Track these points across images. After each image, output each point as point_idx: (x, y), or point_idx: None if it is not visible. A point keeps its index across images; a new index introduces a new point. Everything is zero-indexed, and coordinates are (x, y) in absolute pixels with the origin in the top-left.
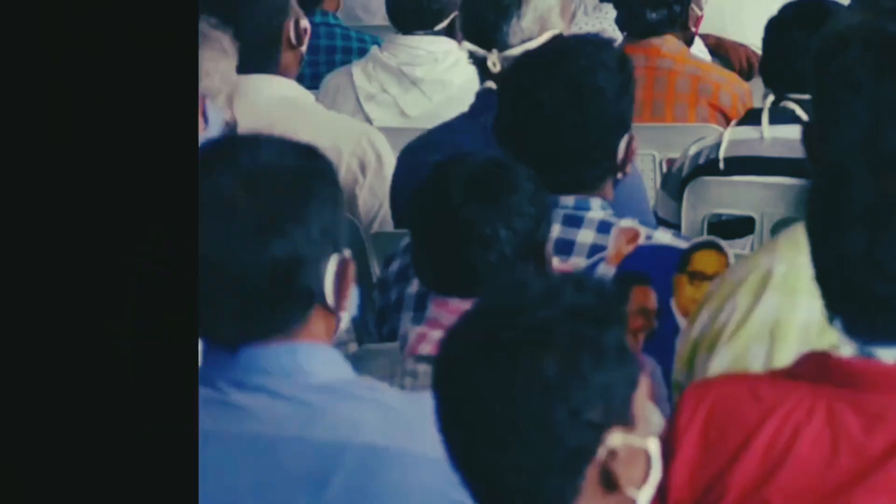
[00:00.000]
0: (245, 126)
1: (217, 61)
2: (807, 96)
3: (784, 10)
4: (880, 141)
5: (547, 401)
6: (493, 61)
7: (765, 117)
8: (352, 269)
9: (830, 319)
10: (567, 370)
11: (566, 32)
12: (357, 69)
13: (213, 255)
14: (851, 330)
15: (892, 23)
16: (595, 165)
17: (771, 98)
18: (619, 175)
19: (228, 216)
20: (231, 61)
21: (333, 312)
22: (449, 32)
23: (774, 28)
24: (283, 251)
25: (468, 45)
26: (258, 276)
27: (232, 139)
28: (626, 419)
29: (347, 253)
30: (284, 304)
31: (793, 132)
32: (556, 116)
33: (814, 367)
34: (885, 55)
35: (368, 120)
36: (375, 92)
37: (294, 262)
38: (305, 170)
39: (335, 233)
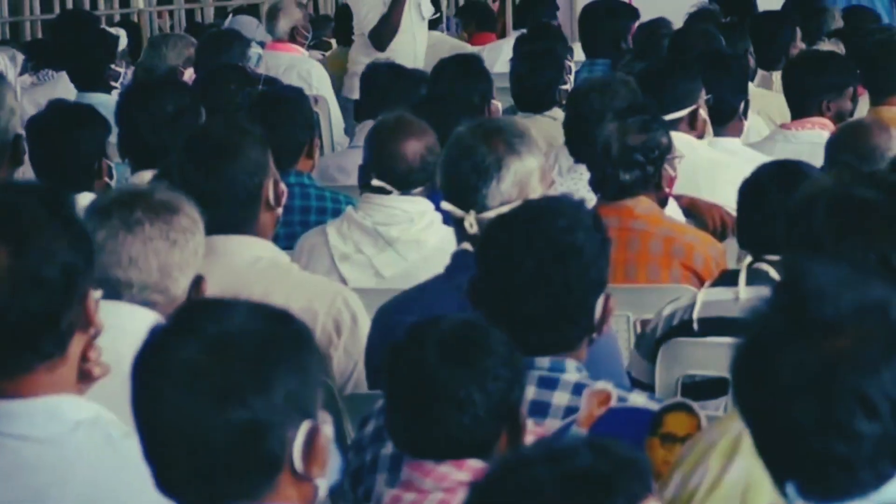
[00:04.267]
0: (219, 287)
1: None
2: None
3: (759, 173)
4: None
5: None
6: (471, 223)
7: (742, 278)
8: (324, 436)
9: (781, 485)
10: None
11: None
12: (332, 229)
13: (175, 419)
14: (808, 492)
15: (859, 187)
16: (572, 325)
17: (748, 259)
18: (595, 335)
19: (189, 382)
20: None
21: (306, 479)
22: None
23: (749, 190)
24: (242, 418)
25: (446, 206)
26: (217, 442)
27: (201, 304)
28: None
29: (325, 419)
30: (247, 471)
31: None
32: (536, 276)
33: None
34: (848, 218)
35: (343, 280)
36: (350, 252)
37: (254, 429)
38: (272, 336)
39: (304, 399)
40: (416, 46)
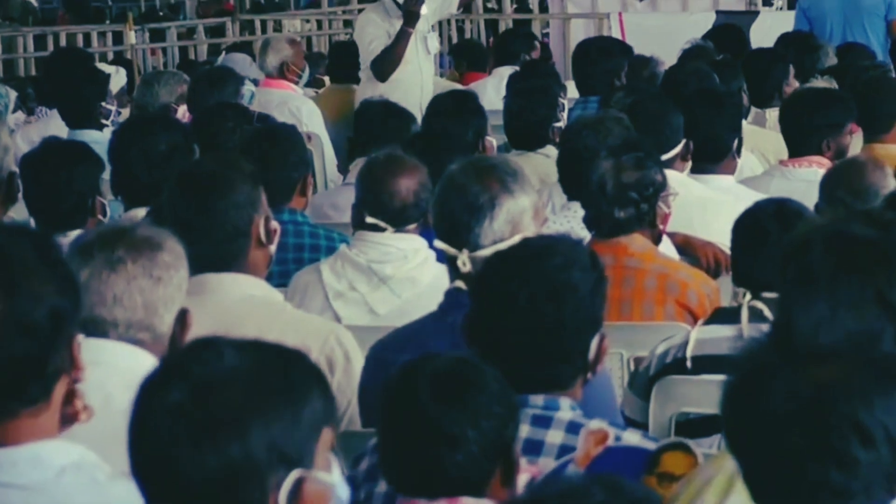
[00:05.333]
0: (211, 325)
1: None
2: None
3: (756, 211)
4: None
5: None
6: (463, 261)
7: (744, 315)
8: (317, 485)
9: None
10: None
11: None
12: (326, 267)
13: (159, 461)
14: None
15: (856, 225)
16: (567, 363)
17: (748, 297)
18: (590, 375)
19: (171, 423)
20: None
21: None
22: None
23: (746, 228)
24: (217, 462)
25: (439, 244)
26: (195, 486)
27: (199, 344)
28: None
29: (325, 463)
30: None
31: (762, 331)
32: (531, 314)
33: None
34: (844, 255)
35: (337, 318)
36: (344, 290)
37: (230, 475)
38: (262, 381)
39: (292, 447)
40: (423, 79)
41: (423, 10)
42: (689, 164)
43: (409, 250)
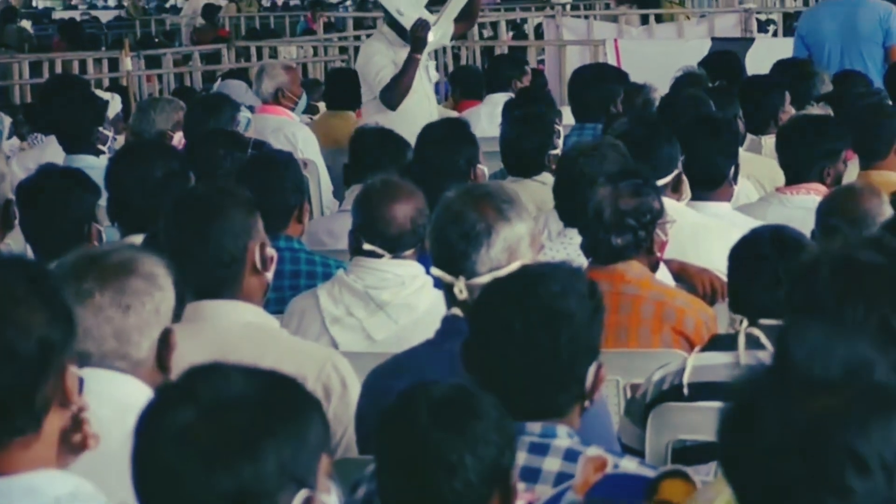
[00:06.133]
0: (208, 352)
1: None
2: (775, 321)
3: (753, 237)
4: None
5: None
6: (460, 288)
7: (741, 342)
8: None
9: None
10: None
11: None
12: (323, 292)
13: (167, 484)
14: None
15: (863, 251)
16: (564, 391)
17: (745, 324)
18: (587, 403)
19: (181, 446)
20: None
21: None
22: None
23: (743, 255)
24: (230, 485)
25: (436, 272)
26: None
27: (195, 372)
28: None
29: (325, 487)
30: None
31: (759, 358)
32: (527, 341)
33: None
34: (851, 281)
35: (334, 343)
36: (341, 315)
37: (243, 498)
38: (269, 403)
39: (300, 468)
40: (431, 107)
41: (430, 36)
42: (685, 196)
43: (406, 276)
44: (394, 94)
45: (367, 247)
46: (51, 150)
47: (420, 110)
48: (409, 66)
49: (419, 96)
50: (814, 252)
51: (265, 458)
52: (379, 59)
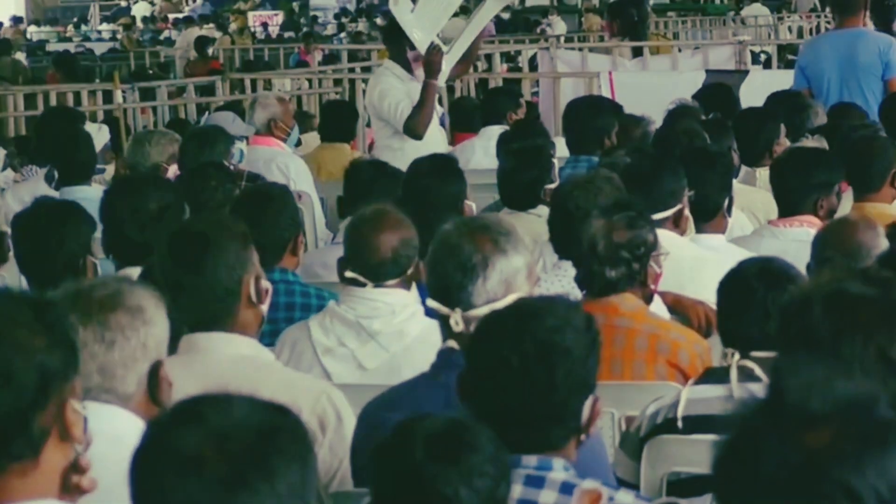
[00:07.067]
0: (203, 385)
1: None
2: (767, 354)
3: (741, 270)
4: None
5: None
6: (456, 320)
7: (733, 375)
8: None
9: None
10: None
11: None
12: (314, 323)
13: None
14: None
15: (853, 283)
16: (559, 425)
17: (737, 357)
18: (583, 437)
19: (196, 471)
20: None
21: None
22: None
23: (732, 287)
24: None
25: (432, 304)
26: None
27: (201, 398)
28: None
29: None
30: None
31: (752, 391)
32: (523, 374)
33: None
34: (845, 314)
35: (326, 374)
36: (333, 346)
37: None
38: (273, 427)
39: (303, 490)
40: (442, 136)
41: (444, 65)
42: (688, 232)
43: (396, 305)
44: (418, 123)
45: (349, 274)
46: (45, 183)
47: (437, 141)
48: (429, 94)
49: (434, 127)
50: (804, 288)
51: (278, 479)
52: (395, 93)
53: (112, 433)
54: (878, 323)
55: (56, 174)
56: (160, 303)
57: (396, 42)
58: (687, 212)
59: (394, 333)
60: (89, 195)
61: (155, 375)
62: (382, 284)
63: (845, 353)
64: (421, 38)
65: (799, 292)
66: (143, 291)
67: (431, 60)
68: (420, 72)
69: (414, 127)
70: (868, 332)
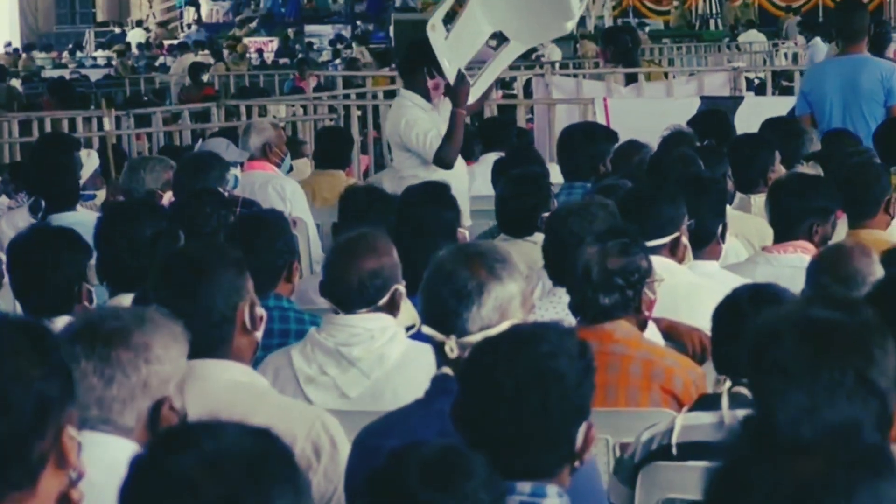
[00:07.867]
0: (197, 411)
1: (168, 347)
2: None
3: (735, 297)
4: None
5: None
6: (451, 347)
7: (724, 402)
8: None
9: None
10: None
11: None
12: (296, 352)
13: None
14: None
15: (819, 310)
16: (554, 451)
17: (728, 383)
18: (577, 463)
19: (191, 496)
20: (182, 347)
21: None
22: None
23: (726, 314)
24: None
25: (427, 330)
26: None
27: (193, 424)
28: None
29: None
30: None
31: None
32: (518, 401)
33: None
34: (819, 344)
35: (309, 403)
36: (315, 374)
37: None
38: (266, 452)
39: None
40: (461, 163)
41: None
42: (686, 261)
43: (376, 329)
44: (449, 152)
45: (320, 300)
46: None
47: (460, 169)
48: (458, 123)
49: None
50: (769, 319)
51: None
52: (422, 124)
53: (108, 461)
54: (852, 347)
55: (43, 204)
56: (177, 339)
57: (415, 72)
58: (685, 240)
59: (374, 359)
60: (79, 219)
61: (157, 412)
62: (354, 312)
63: (824, 379)
64: (449, 67)
65: (764, 323)
66: (155, 328)
67: (460, 90)
68: (438, 101)
69: (444, 156)
70: (844, 358)
